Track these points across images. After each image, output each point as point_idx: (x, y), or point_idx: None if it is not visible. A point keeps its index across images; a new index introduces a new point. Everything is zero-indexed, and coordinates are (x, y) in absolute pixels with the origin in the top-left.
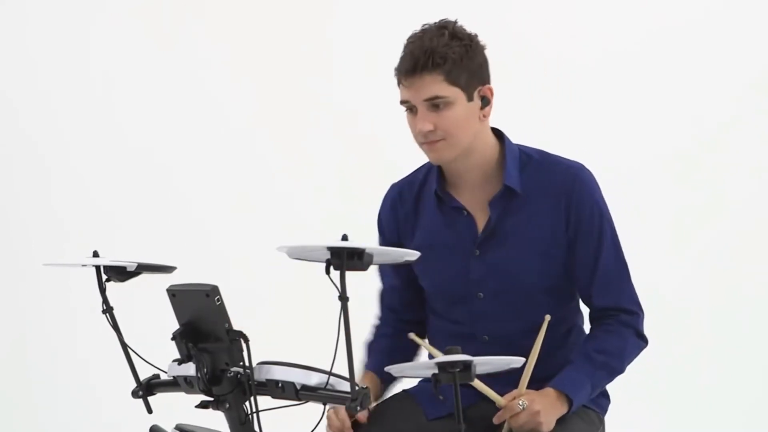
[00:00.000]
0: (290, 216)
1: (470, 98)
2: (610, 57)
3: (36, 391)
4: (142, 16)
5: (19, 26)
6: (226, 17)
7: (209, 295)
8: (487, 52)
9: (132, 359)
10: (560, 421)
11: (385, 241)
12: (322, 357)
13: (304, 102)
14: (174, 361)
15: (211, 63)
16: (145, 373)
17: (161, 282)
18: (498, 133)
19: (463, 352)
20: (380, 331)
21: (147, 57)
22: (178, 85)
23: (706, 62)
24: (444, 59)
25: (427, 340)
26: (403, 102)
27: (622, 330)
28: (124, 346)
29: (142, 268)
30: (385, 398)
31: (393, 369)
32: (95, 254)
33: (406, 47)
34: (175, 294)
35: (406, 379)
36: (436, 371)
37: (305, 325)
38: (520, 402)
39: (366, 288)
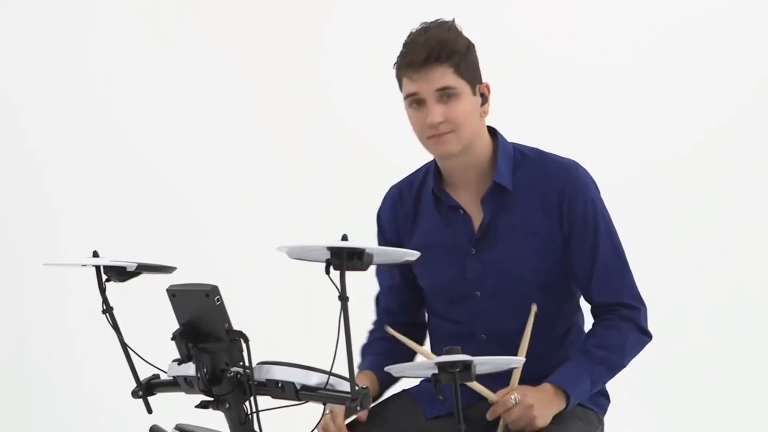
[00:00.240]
0: (290, 216)
1: (474, 93)
2: (610, 57)
3: (36, 391)
4: (142, 17)
5: (18, 27)
6: (225, 18)
7: (209, 295)
8: (487, 53)
9: (132, 359)
10: (558, 421)
11: (385, 241)
12: (322, 357)
13: (303, 102)
14: (174, 361)
15: (211, 63)
16: (145, 373)
17: (161, 282)
18: (492, 132)
19: (462, 352)
20: (376, 335)
21: (146, 57)
22: (177, 85)
23: (705, 62)
24: (454, 52)
25: (428, 341)
26: (410, 95)
27: (622, 325)
28: (124, 346)
29: (142, 268)
30: (383, 398)
31: (393, 369)
32: (95, 254)
33: (412, 41)
34: (175, 294)
35: (406, 379)
36: (436, 371)
37: (305, 325)
38: (513, 397)
39: (366, 288)
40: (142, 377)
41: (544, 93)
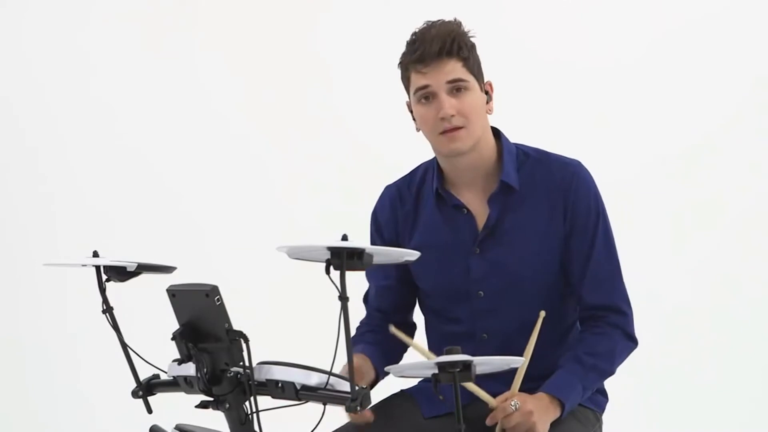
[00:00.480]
0: (290, 216)
1: (481, 89)
2: (610, 58)
3: (35, 391)
4: (141, 18)
5: (17, 28)
6: (225, 18)
7: (209, 295)
8: (486, 53)
9: (132, 359)
10: (555, 421)
11: (383, 240)
12: (322, 357)
13: (303, 102)
14: (174, 361)
15: (211, 64)
16: (145, 373)
17: (161, 282)
18: (495, 132)
19: (462, 352)
20: (366, 328)
21: (147, 58)
22: (177, 85)
23: (705, 62)
24: (463, 46)
25: (424, 340)
26: (420, 89)
27: (610, 331)
28: (124, 346)
29: (142, 268)
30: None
31: (393, 369)
32: (95, 254)
33: (422, 35)
34: (175, 294)
35: (405, 378)
36: (436, 371)
37: (305, 325)
38: (513, 403)
39: (366, 288)
40: (142, 377)
41: (544, 93)
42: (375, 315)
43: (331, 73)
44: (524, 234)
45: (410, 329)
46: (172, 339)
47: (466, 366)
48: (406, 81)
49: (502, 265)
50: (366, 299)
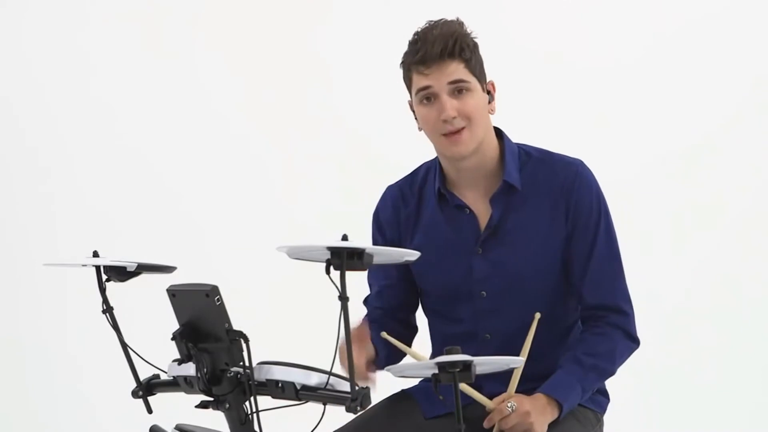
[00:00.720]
0: (290, 216)
1: (483, 89)
2: (611, 58)
3: (35, 391)
4: (141, 18)
5: (16, 30)
6: (225, 19)
7: (209, 295)
8: (487, 53)
9: (132, 359)
10: (554, 422)
11: (385, 240)
12: (322, 357)
13: (303, 102)
14: (174, 361)
15: (211, 64)
16: (145, 373)
17: (161, 282)
18: (497, 132)
19: (465, 352)
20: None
21: (147, 58)
22: (177, 85)
23: (705, 62)
24: (466, 47)
25: (426, 341)
26: (422, 90)
27: (611, 332)
28: (124, 346)
29: (142, 268)
30: (383, 398)
31: (393, 369)
32: (95, 254)
33: (423, 36)
34: (175, 294)
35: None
36: (436, 371)
37: (305, 325)
38: (509, 404)
39: (366, 288)
40: (142, 377)
41: (544, 93)
42: (376, 312)
43: (331, 73)
44: (527, 234)
45: (411, 331)
46: (172, 339)
47: (466, 366)
48: (408, 81)
49: (504, 265)
50: (366, 300)
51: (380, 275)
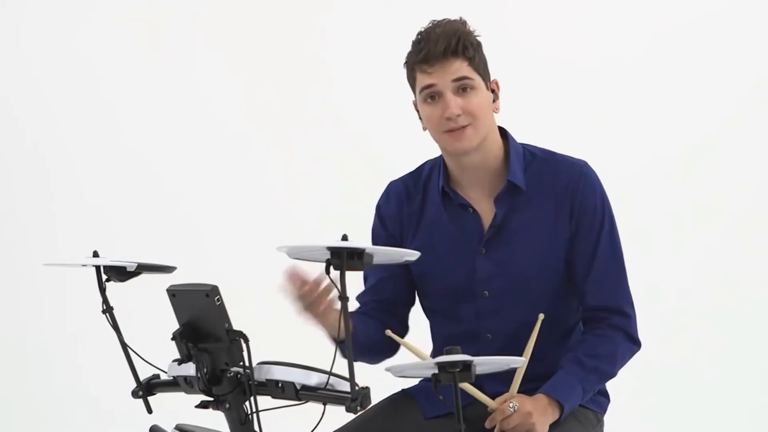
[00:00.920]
0: (290, 216)
1: (487, 87)
2: (611, 58)
3: (35, 391)
4: (141, 18)
5: (17, 30)
6: (225, 19)
7: (209, 295)
8: (487, 53)
9: (132, 359)
10: (555, 423)
11: (386, 233)
12: (322, 357)
13: (303, 102)
14: (174, 361)
15: (211, 64)
16: (145, 373)
17: (161, 282)
18: (502, 132)
19: (467, 351)
20: (356, 311)
21: (147, 58)
22: (177, 85)
23: (706, 62)
24: (469, 45)
25: (428, 341)
26: (425, 88)
27: (612, 334)
28: (124, 346)
29: (142, 268)
30: (383, 398)
31: (393, 369)
32: (95, 254)
33: (427, 35)
34: (175, 294)
35: (405, 378)
36: (436, 371)
37: (305, 325)
38: (511, 404)
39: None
40: (142, 377)
41: (544, 93)
42: (369, 303)
43: (331, 73)
44: (530, 234)
45: (405, 329)
46: (172, 339)
47: (466, 366)
48: (411, 80)
49: (507, 266)
50: (359, 296)
51: (379, 268)
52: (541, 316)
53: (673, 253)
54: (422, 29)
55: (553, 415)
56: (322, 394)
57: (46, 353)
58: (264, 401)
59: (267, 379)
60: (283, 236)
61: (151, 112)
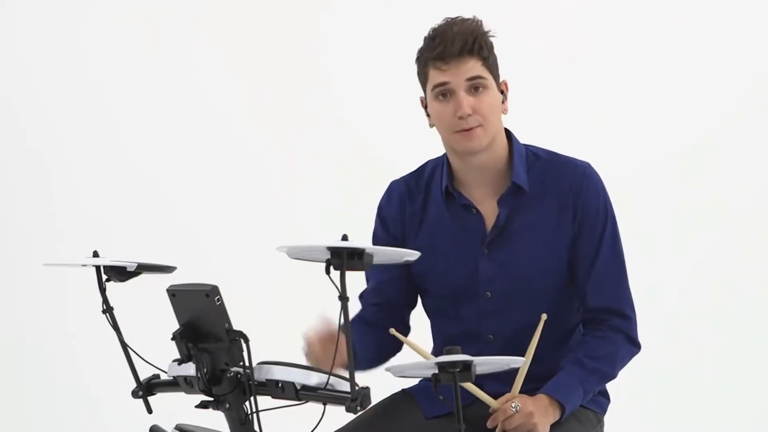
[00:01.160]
0: (290, 216)
1: (498, 88)
2: (610, 58)
3: (35, 391)
4: (141, 18)
5: (17, 30)
6: (225, 19)
7: (209, 295)
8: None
9: (132, 359)
10: (555, 423)
11: (388, 234)
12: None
13: (303, 102)
14: (174, 361)
15: (210, 64)
16: (145, 373)
17: (161, 282)
18: (506, 133)
19: (468, 352)
20: (357, 319)
21: (147, 57)
22: (177, 85)
23: (706, 62)
24: (484, 45)
25: (429, 341)
26: (438, 86)
27: (613, 335)
28: (124, 346)
29: (142, 268)
30: (383, 397)
31: (393, 369)
32: (95, 254)
33: (443, 33)
34: (175, 294)
35: (405, 378)
36: (436, 371)
37: (305, 325)
38: (513, 404)
39: (364, 284)
40: (142, 377)
41: (544, 93)
42: (369, 308)
43: (330, 73)
44: (533, 235)
45: (406, 330)
46: (172, 339)
47: (466, 366)
48: (423, 77)
49: (509, 267)
50: (361, 295)
51: (380, 269)
52: (544, 317)
53: (673, 253)
54: (437, 26)
55: (554, 415)
56: (322, 394)
57: (46, 353)
58: (264, 401)
59: (267, 379)
60: (283, 236)
61: (151, 112)
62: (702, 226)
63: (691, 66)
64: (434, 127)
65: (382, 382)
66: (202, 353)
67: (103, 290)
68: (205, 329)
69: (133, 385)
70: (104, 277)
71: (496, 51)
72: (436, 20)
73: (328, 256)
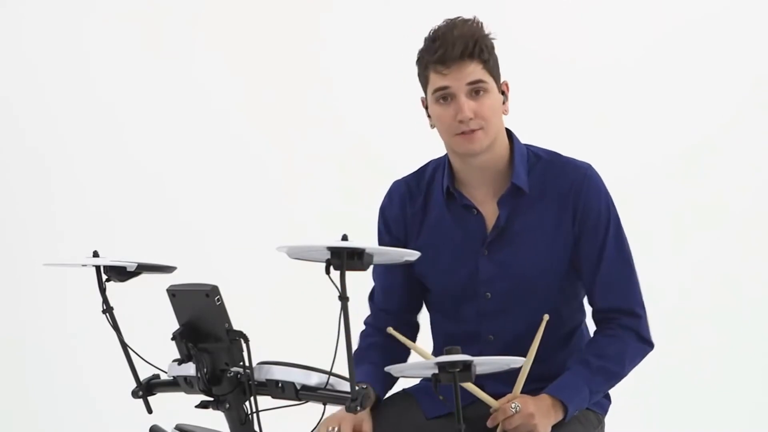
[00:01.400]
0: (290, 216)
1: (498, 89)
2: (610, 58)
3: (35, 391)
4: (140, 20)
5: (16, 30)
6: (224, 19)
7: (209, 295)
8: None
9: (132, 359)
10: (556, 424)
11: (390, 236)
12: (322, 357)
13: (303, 102)
14: (174, 361)
15: (210, 64)
16: (145, 373)
17: (161, 282)
18: (507, 133)
19: (468, 352)
20: (369, 340)
21: (147, 57)
22: (177, 85)
23: (706, 62)
24: (485, 48)
25: (429, 340)
26: (439, 90)
27: (622, 334)
28: (124, 346)
29: (142, 268)
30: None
31: (393, 369)
32: (95, 254)
33: (443, 36)
34: (175, 294)
35: (405, 378)
36: (436, 371)
37: (305, 325)
38: (513, 405)
39: (366, 288)
40: (142, 377)
41: (544, 93)
42: (380, 315)
43: (330, 73)
44: (533, 236)
45: (414, 330)
46: (172, 339)
47: (466, 366)
48: (424, 79)
49: (509, 267)
50: (371, 297)
51: (386, 275)
52: (546, 317)
53: (673, 253)
54: (437, 27)
55: (556, 416)
56: (322, 394)
57: (46, 353)
58: (264, 401)
59: (267, 379)
60: (283, 236)
61: (151, 112)
62: (702, 226)
63: (691, 66)
64: (435, 128)
65: None
66: (202, 353)
67: (103, 290)
68: (205, 329)
69: (133, 385)
70: (104, 277)
71: (496, 51)
72: (437, 20)
73: (328, 256)
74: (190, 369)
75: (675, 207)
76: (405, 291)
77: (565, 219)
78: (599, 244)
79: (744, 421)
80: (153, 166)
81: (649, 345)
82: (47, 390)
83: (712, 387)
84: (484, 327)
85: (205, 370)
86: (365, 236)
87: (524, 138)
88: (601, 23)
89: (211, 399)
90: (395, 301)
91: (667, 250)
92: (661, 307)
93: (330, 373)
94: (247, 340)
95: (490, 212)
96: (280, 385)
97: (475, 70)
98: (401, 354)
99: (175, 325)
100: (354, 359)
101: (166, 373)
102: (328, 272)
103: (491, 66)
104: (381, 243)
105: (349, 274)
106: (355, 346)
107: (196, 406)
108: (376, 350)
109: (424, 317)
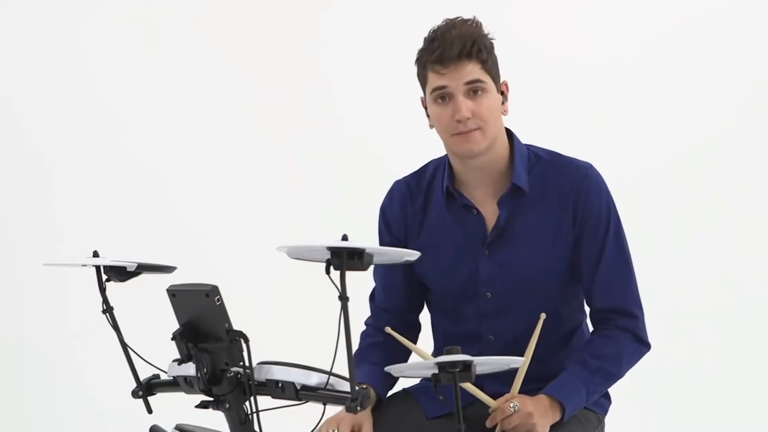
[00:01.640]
0: (290, 216)
1: (497, 90)
2: (610, 58)
3: (35, 391)
4: (140, 20)
5: (16, 30)
6: (224, 19)
7: (209, 295)
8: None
9: (132, 359)
10: (556, 424)
11: (391, 236)
12: (322, 357)
13: (303, 102)
14: (174, 361)
15: (210, 64)
16: (145, 373)
17: (161, 282)
18: (508, 133)
19: (468, 352)
20: (369, 340)
21: (147, 57)
22: (177, 85)
23: (706, 62)
24: (483, 48)
25: (429, 340)
26: (437, 89)
27: (619, 334)
28: (124, 346)
29: (142, 268)
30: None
31: (393, 369)
32: (95, 254)
33: (442, 36)
34: (175, 294)
35: (405, 378)
36: (436, 371)
37: (305, 325)
38: (512, 404)
39: (366, 288)
40: (142, 377)
41: (544, 93)
42: (381, 315)
43: (330, 73)
44: (533, 236)
45: (415, 330)
46: (172, 339)
47: (466, 366)
48: (422, 79)
49: (510, 267)
50: (372, 298)
51: (387, 275)
52: (543, 316)
53: (673, 253)
54: (436, 27)
55: (554, 416)
56: (322, 394)
57: (46, 353)
58: (264, 401)
59: (267, 379)
60: (283, 236)
61: (151, 112)
62: (702, 226)
63: (691, 66)
64: (434, 128)
65: None
66: (202, 353)
67: (103, 290)
68: (205, 329)
69: (133, 385)
70: (104, 277)
71: (496, 51)
72: (436, 20)
73: (328, 256)
74: (190, 369)
75: (675, 207)
76: (406, 291)
77: (566, 219)
78: (599, 244)
79: (744, 421)
80: (153, 166)
81: (645, 346)
82: (47, 390)
83: (712, 387)
84: (484, 327)
85: (205, 370)
86: (365, 236)
87: (524, 138)
88: (601, 23)
89: (211, 399)
90: (396, 301)
91: (667, 250)
92: (660, 307)
93: (330, 373)
94: (247, 340)
95: (490, 212)
96: (280, 385)
97: (473, 70)
98: (402, 354)
99: (175, 325)
100: (355, 359)
101: (166, 373)
102: (328, 272)
103: (490, 66)
104: (382, 243)
105: (349, 274)
106: (355, 346)
107: (196, 406)
108: (377, 350)
109: (425, 317)
